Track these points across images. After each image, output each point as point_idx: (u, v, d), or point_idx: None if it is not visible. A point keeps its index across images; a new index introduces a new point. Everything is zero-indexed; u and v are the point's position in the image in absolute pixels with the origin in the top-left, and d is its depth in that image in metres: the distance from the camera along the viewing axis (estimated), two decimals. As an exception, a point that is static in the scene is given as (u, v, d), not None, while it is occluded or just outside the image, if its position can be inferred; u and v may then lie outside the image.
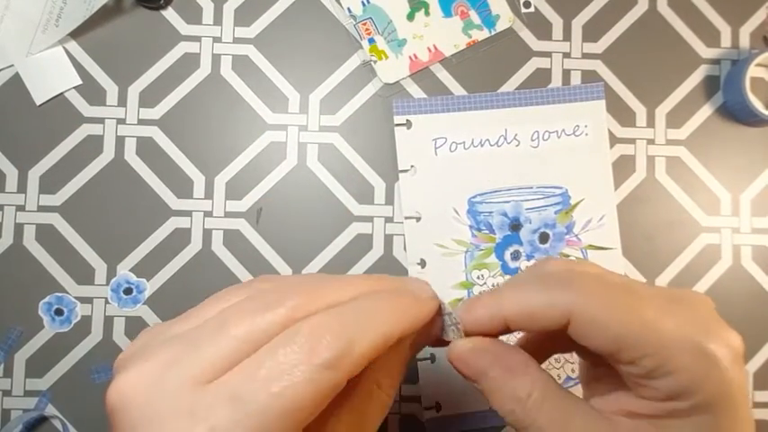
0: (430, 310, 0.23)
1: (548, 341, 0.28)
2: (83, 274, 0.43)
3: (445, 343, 0.25)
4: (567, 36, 0.45)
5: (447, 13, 0.44)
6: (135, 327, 0.43)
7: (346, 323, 0.20)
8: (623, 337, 0.21)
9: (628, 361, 0.22)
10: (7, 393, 0.42)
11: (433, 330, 0.25)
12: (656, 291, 0.23)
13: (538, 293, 0.23)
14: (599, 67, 0.45)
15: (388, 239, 0.44)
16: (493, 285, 0.43)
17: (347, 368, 0.19)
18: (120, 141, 0.44)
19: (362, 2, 0.44)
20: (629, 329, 0.21)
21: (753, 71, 0.44)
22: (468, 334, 0.24)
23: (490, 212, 0.43)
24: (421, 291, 0.24)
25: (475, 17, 0.44)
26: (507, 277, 0.43)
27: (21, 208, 0.43)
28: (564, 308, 0.22)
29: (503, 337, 0.25)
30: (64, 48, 0.44)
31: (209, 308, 0.22)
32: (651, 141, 0.45)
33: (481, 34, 0.44)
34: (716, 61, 0.46)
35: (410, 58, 0.44)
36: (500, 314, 0.23)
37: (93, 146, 0.44)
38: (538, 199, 0.44)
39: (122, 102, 0.44)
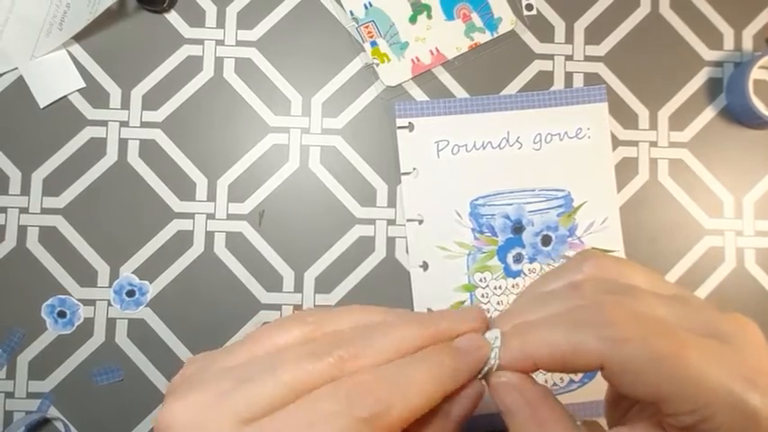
0: (472, 368, 0.23)
1: None
2: (85, 276, 0.43)
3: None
4: (569, 39, 0.45)
5: (449, 16, 0.44)
6: (137, 329, 0.43)
7: (387, 386, 0.21)
8: (663, 390, 0.20)
9: (668, 413, 0.20)
10: (10, 395, 0.42)
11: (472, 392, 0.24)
12: (699, 323, 0.21)
13: (566, 337, 0.21)
14: (601, 69, 0.45)
15: (391, 242, 0.44)
16: (495, 288, 0.43)
17: (383, 428, 0.20)
18: (122, 144, 0.44)
19: (365, 5, 0.44)
20: (670, 384, 0.20)
21: (756, 73, 0.44)
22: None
23: (492, 215, 0.43)
24: (469, 343, 0.23)
25: (477, 20, 0.44)
26: (509, 280, 0.43)
27: (24, 210, 0.43)
28: (596, 355, 0.21)
29: None
30: (67, 51, 0.44)
31: (259, 343, 0.23)
32: (654, 144, 0.45)
33: (483, 37, 0.44)
34: (719, 64, 0.46)
35: (412, 60, 0.44)
36: (529, 359, 0.22)
37: (96, 148, 0.44)
38: (540, 201, 0.44)
39: (125, 105, 0.44)
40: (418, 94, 0.44)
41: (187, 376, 0.23)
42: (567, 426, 0.22)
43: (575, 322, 0.22)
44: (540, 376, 0.43)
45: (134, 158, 0.44)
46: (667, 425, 0.21)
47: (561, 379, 0.43)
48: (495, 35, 0.44)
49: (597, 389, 0.43)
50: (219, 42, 0.44)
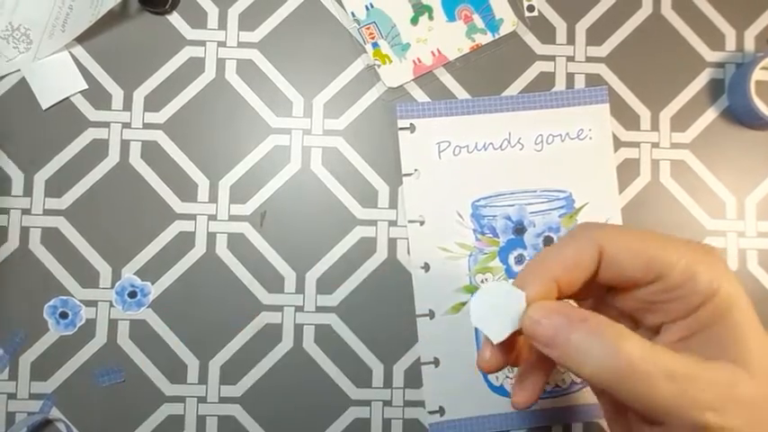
0: None
1: None
2: (87, 277, 0.43)
3: None
4: (570, 40, 0.45)
5: (450, 17, 0.44)
6: (139, 330, 0.43)
7: None
8: (651, 254, 0.25)
9: (655, 277, 0.25)
10: (12, 396, 0.43)
11: None
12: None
13: (572, 242, 0.27)
14: (603, 70, 0.45)
15: (392, 243, 0.44)
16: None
17: None
18: (125, 145, 0.44)
19: (366, 6, 0.44)
20: (655, 247, 0.25)
21: (758, 74, 0.43)
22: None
23: (494, 216, 0.43)
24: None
25: (478, 21, 0.44)
26: (511, 281, 0.43)
27: (26, 211, 0.43)
28: (596, 243, 0.26)
29: None
30: (70, 52, 0.44)
31: None
32: (656, 145, 0.45)
33: (485, 38, 0.44)
34: (720, 65, 0.46)
35: (414, 62, 0.44)
36: (548, 274, 0.26)
37: (98, 150, 0.44)
38: (542, 202, 0.44)
39: (127, 106, 0.44)
40: (420, 95, 0.44)
41: None
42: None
43: (579, 232, 0.27)
44: (541, 377, 0.43)
45: (136, 160, 0.44)
46: (661, 303, 0.26)
47: (563, 381, 0.43)
48: (497, 36, 0.44)
49: (599, 390, 0.43)
50: (221, 44, 0.44)
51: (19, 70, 0.44)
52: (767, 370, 0.24)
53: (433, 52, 0.44)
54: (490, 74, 0.45)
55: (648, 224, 0.44)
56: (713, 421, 0.23)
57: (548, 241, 0.43)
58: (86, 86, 0.44)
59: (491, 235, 0.43)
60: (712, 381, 0.23)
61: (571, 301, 0.29)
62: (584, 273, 0.26)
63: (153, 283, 0.43)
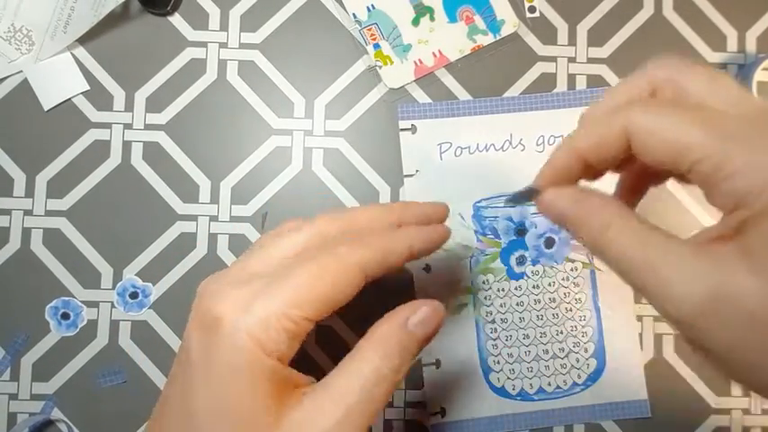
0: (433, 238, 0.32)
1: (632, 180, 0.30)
2: (89, 278, 0.43)
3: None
4: (572, 41, 0.45)
5: (452, 18, 0.44)
6: (140, 331, 0.43)
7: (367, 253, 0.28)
8: (678, 140, 0.22)
9: (688, 168, 0.22)
10: (14, 397, 0.43)
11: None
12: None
13: (601, 119, 0.25)
14: (604, 71, 0.45)
15: (393, 244, 0.44)
16: (498, 290, 0.43)
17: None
18: (126, 146, 0.44)
19: (367, 7, 0.44)
20: (683, 132, 0.22)
21: (759, 75, 0.43)
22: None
23: (495, 217, 0.43)
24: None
25: (480, 22, 0.44)
26: (512, 282, 0.43)
27: (28, 212, 0.43)
28: (622, 123, 0.23)
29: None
30: (72, 54, 0.44)
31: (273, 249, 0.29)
32: (657, 146, 0.45)
33: (486, 39, 0.44)
34: (722, 66, 0.46)
35: (415, 63, 0.44)
36: (574, 151, 0.26)
37: (100, 151, 0.44)
38: (543, 204, 0.43)
39: (129, 107, 0.44)
40: (421, 96, 0.44)
41: (220, 285, 0.28)
42: (617, 203, 0.24)
43: (611, 110, 0.25)
44: (543, 379, 0.43)
45: (137, 161, 0.44)
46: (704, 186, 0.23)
47: (564, 382, 0.43)
48: (498, 37, 0.44)
49: (600, 392, 0.43)
50: (223, 45, 0.45)
51: (21, 71, 0.44)
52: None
53: (434, 53, 0.44)
54: (492, 75, 0.45)
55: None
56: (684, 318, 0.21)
57: (549, 243, 0.43)
58: (88, 87, 0.44)
59: (492, 236, 0.43)
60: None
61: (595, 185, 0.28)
62: (611, 152, 0.25)
63: (154, 284, 0.43)
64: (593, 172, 0.27)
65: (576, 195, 0.25)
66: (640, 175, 0.30)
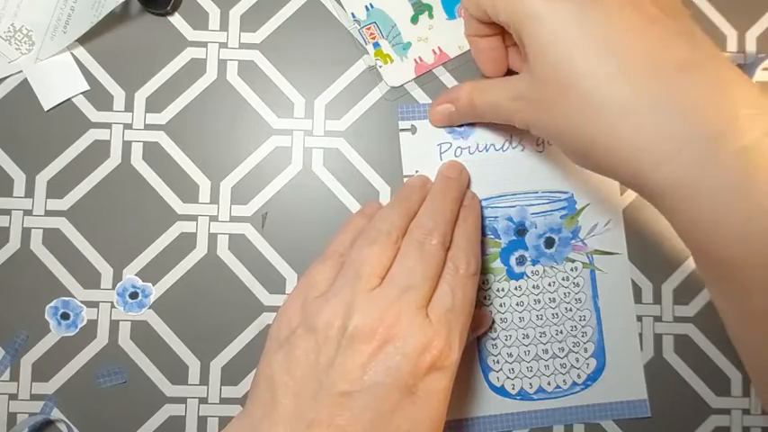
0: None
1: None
2: (89, 278, 0.43)
3: None
4: (572, 40, 0.45)
5: (450, 14, 0.44)
6: (140, 331, 0.43)
7: (469, 250, 0.37)
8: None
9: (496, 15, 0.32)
10: (13, 397, 0.43)
11: None
12: None
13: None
14: (604, 71, 0.45)
15: (393, 244, 0.44)
16: (498, 290, 0.43)
17: (479, 271, 0.38)
18: (126, 146, 0.44)
19: (366, 7, 0.44)
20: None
21: (759, 75, 0.43)
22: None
23: (495, 217, 0.43)
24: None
25: (479, 22, 0.44)
26: (512, 282, 0.43)
27: (28, 212, 0.43)
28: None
29: None
30: (72, 54, 0.44)
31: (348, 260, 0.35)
32: (657, 146, 0.45)
33: (486, 39, 0.44)
34: (722, 65, 0.45)
35: (415, 60, 0.44)
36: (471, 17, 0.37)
37: (99, 151, 0.44)
38: (543, 204, 0.43)
39: (129, 107, 0.44)
40: (421, 95, 0.44)
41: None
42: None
43: None
44: (543, 378, 0.43)
45: (137, 161, 0.44)
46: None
47: (564, 382, 0.43)
48: (498, 37, 0.44)
49: (600, 391, 0.43)
50: (223, 45, 0.45)
51: (21, 71, 0.44)
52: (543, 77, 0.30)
53: (434, 51, 0.44)
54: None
55: (651, 225, 0.44)
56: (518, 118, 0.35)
57: (549, 243, 0.43)
58: (88, 88, 0.44)
59: (492, 236, 0.43)
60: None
61: None
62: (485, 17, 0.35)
63: (154, 284, 0.43)
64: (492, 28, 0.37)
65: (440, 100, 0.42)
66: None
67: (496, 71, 0.39)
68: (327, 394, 0.30)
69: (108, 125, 0.44)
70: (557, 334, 0.43)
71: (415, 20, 0.44)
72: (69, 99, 0.44)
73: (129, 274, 0.43)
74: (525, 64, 0.32)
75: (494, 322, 0.43)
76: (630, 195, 0.44)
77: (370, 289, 0.32)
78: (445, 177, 0.41)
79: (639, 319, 0.44)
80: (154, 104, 0.44)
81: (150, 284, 0.43)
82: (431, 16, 0.44)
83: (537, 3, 0.29)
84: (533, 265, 0.43)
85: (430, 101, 0.44)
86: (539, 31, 0.29)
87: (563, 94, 0.29)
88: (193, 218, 0.44)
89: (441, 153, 0.43)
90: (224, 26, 0.45)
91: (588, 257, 0.44)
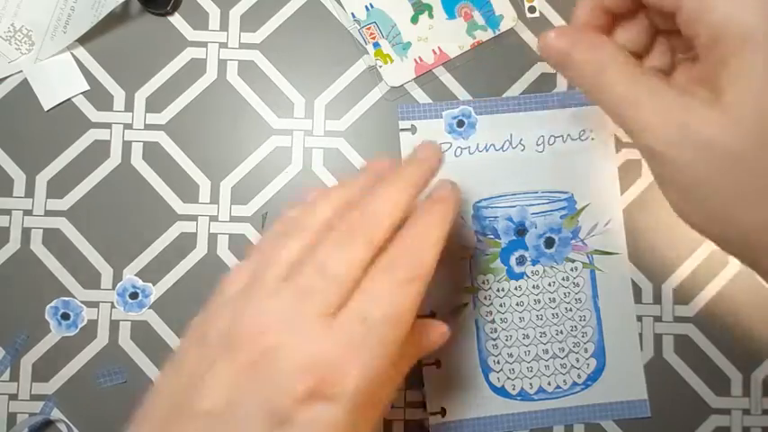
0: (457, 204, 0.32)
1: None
2: (89, 278, 0.43)
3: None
4: (572, 40, 0.45)
5: (450, 14, 0.44)
6: (140, 331, 0.43)
7: (415, 249, 0.28)
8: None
9: (675, 3, 0.24)
10: (13, 397, 0.43)
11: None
12: None
13: None
14: (605, 71, 0.45)
15: (393, 244, 0.44)
16: (498, 290, 0.43)
17: (425, 278, 0.27)
18: (126, 146, 0.44)
19: (366, 7, 0.44)
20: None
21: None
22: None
23: (495, 217, 0.43)
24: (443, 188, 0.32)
25: (479, 18, 0.44)
26: (512, 282, 0.43)
27: (28, 212, 0.43)
28: None
29: None
30: (72, 54, 0.44)
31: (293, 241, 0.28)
32: (657, 145, 0.45)
33: (485, 35, 0.44)
34: (723, 65, 0.45)
35: (415, 60, 0.44)
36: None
37: (100, 151, 0.44)
38: (543, 204, 0.43)
39: (129, 107, 0.44)
40: (420, 95, 0.44)
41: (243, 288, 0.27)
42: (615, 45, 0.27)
43: None
44: (543, 378, 0.43)
45: (137, 161, 0.44)
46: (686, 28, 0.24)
47: (564, 382, 0.43)
48: (497, 32, 0.44)
49: (600, 391, 0.43)
50: (223, 45, 0.45)
51: (21, 71, 0.44)
52: (750, 120, 0.22)
53: (434, 50, 0.44)
54: (491, 75, 0.45)
55: (651, 226, 0.44)
56: (655, 147, 0.24)
57: (549, 243, 0.43)
58: (88, 87, 0.44)
59: (492, 236, 0.43)
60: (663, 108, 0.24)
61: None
62: None
63: (154, 284, 0.43)
64: (613, 19, 0.28)
65: (575, 36, 0.27)
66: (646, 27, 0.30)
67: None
68: (190, 414, 0.24)
69: (108, 125, 0.44)
70: (557, 334, 0.43)
71: (415, 20, 0.44)
72: (69, 99, 0.44)
73: (129, 274, 0.43)
74: (711, 92, 0.23)
75: (494, 322, 0.43)
76: (631, 195, 0.44)
77: (270, 290, 0.26)
78: (411, 159, 0.31)
79: (639, 319, 0.44)
80: (154, 104, 0.44)
81: (150, 284, 0.43)
82: (431, 16, 0.44)
83: (753, 19, 0.21)
84: (533, 265, 0.43)
85: (430, 101, 0.44)
86: (752, 58, 0.21)
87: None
88: (193, 218, 0.44)
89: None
90: (224, 26, 0.45)
91: (588, 257, 0.44)
